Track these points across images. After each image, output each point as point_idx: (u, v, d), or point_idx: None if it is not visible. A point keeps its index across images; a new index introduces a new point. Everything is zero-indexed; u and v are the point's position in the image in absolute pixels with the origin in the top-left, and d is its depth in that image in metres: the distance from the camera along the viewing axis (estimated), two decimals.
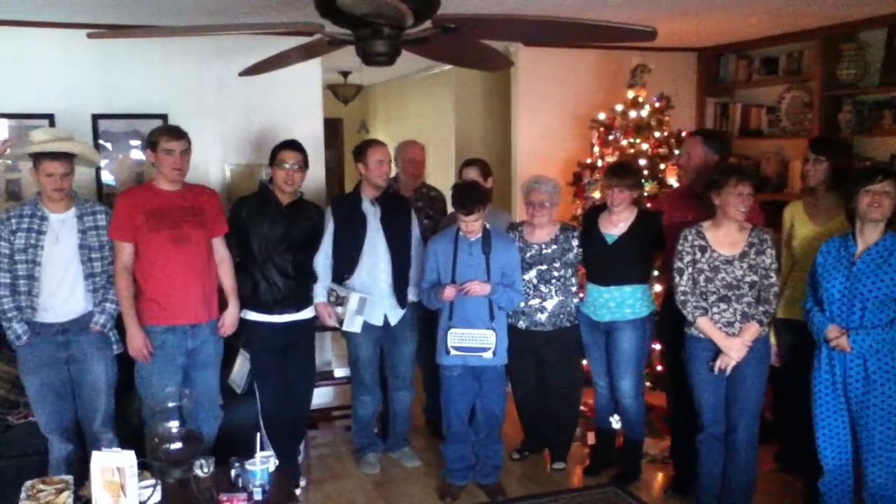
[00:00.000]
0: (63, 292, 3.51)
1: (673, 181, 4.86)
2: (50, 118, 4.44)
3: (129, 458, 2.69)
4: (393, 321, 4.18)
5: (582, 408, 4.58)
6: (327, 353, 5.25)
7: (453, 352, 3.80)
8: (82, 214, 3.56)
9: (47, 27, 4.40)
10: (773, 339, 3.67)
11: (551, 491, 4.11)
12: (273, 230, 3.87)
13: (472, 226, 3.74)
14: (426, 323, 4.25)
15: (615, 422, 4.25)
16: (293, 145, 3.93)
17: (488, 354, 3.80)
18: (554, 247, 4.05)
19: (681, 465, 4.06)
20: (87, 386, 3.58)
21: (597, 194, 4.89)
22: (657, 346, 4.48)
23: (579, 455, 4.47)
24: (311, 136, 4.91)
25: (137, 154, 4.67)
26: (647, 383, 4.36)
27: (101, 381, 3.60)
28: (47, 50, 4.47)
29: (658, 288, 4.35)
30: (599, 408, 4.25)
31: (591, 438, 4.43)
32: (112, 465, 2.66)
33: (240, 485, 2.94)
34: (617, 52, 5.49)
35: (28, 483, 2.89)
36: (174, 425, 3.04)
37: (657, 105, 5.09)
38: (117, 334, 3.65)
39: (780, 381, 3.92)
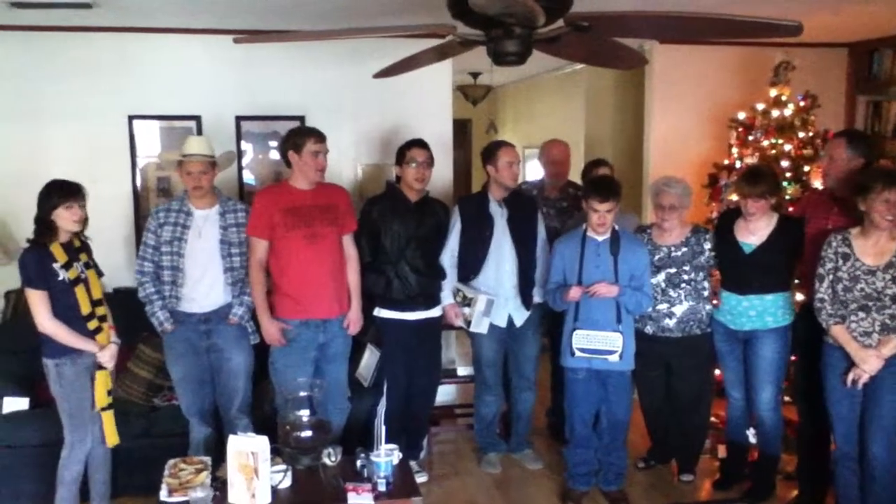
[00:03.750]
0: (205, 284, 3.70)
1: (818, 184, 4.58)
2: (197, 119, 4.71)
3: (262, 443, 2.82)
4: (518, 322, 4.18)
5: (713, 419, 4.40)
6: (451, 352, 5.27)
7: (578, 353, 3.74)
8: (224, 211, 3.75)
9: (195, 33, 4.66)
10: None
11: (678, 503, 3.98)
12: (404, 228, 3.95)
13: (604, 217, 3.65)
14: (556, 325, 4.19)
15: (751, 435, 4.05)
16: (421, 143, 4.02)
17: (615, 357, 3.71)
18: (684, 249, 3.90)
19: (806, 484, 3.84)
20: (225, 373, 3.77)
21: (734, 197, 4.69)
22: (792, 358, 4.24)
23: (709, 468, 4.30)
24: (441, 136, 4.96)
25: (277, 154, 4.87)
26: (786, 397, 4.12)
27: (239, 370, 3.77)
28: (195, 55, 4.73)
29: (799, 297, 4.11)
30: (732, 420, 4.06)
31: (721, 451, 4.24)
32: (247, 449, 2.79)
33: (365, 475, 3.02)
34: (758, 49, 5.23)
35: (171, 461, 3.09)
36: (305, 414, 3.17)
37: (802, 104, 4.82)
38: (254, 325, 3.82)
39: None
